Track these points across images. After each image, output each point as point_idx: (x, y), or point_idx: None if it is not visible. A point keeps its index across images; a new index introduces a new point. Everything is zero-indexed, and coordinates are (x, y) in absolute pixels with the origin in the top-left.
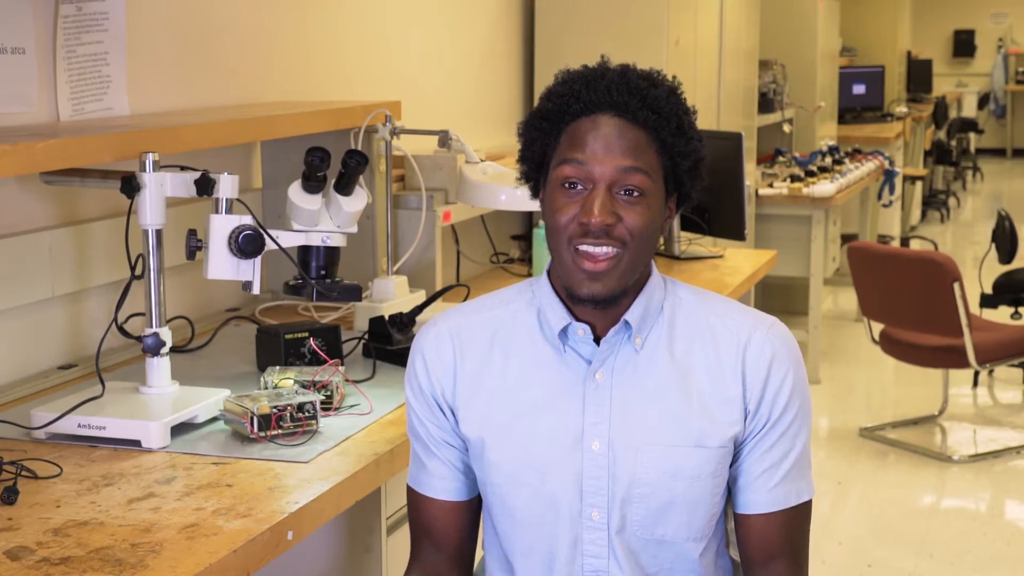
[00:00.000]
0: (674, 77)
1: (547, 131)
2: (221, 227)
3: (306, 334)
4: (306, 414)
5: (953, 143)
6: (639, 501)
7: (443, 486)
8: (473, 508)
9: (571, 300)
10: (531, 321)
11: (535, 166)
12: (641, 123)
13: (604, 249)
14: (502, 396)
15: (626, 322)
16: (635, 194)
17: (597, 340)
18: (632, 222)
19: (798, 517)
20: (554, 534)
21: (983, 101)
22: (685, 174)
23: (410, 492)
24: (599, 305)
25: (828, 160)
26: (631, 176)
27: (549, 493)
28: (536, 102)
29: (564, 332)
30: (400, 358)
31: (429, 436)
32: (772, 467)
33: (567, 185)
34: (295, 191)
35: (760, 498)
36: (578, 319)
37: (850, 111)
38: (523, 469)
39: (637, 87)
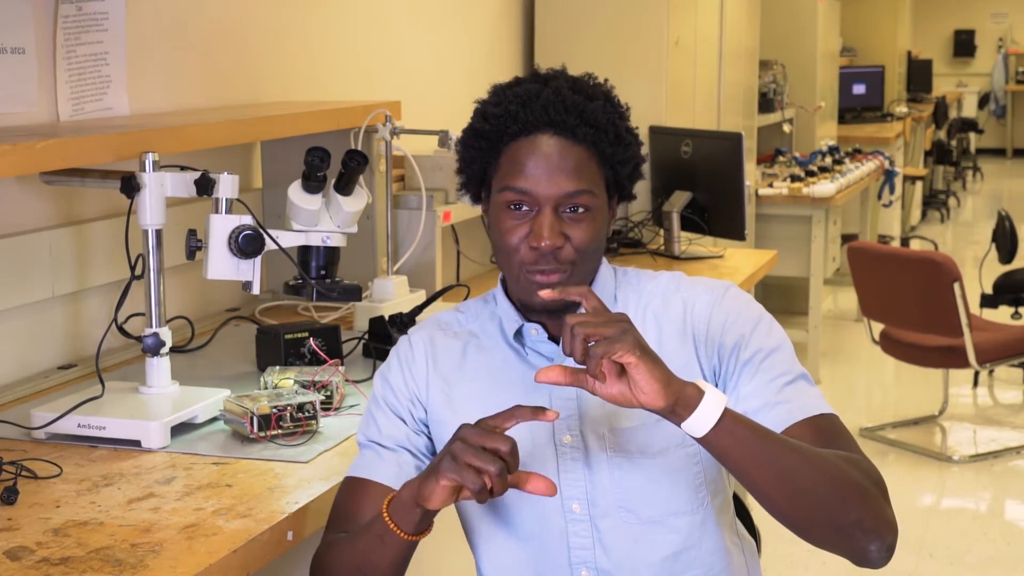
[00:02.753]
0: (606, 80)
1: (486, 150)
2: (221, 227)
3: (306, 334)
4: (306, 414)
5: (953, 143)
6: (618, 485)
7: (397, 474)
8: None
9: (525, 309)
10: (494, 331)
11: (476, 180)
12: (580, 139)
13: (552, 268)
14: (473, 404)
15: None
16: (581, 210)
17: (556, 339)
18: (579, 239)
19: (832, 428)
20: (540, 530)
21: (983, 101)
22: (626, 179)
23: (350, 482)
24: (554, 313)
25: (828, 160)
26: (576, 198)
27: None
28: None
29: (520, 334)
30: None
31: (390, 436)
32: (767, 384)
33: (512, 207)
34: (295, 191)
35: (775, 413)
36: (531, 321)
37: (850, 111)
38: None
39: (573, 103)
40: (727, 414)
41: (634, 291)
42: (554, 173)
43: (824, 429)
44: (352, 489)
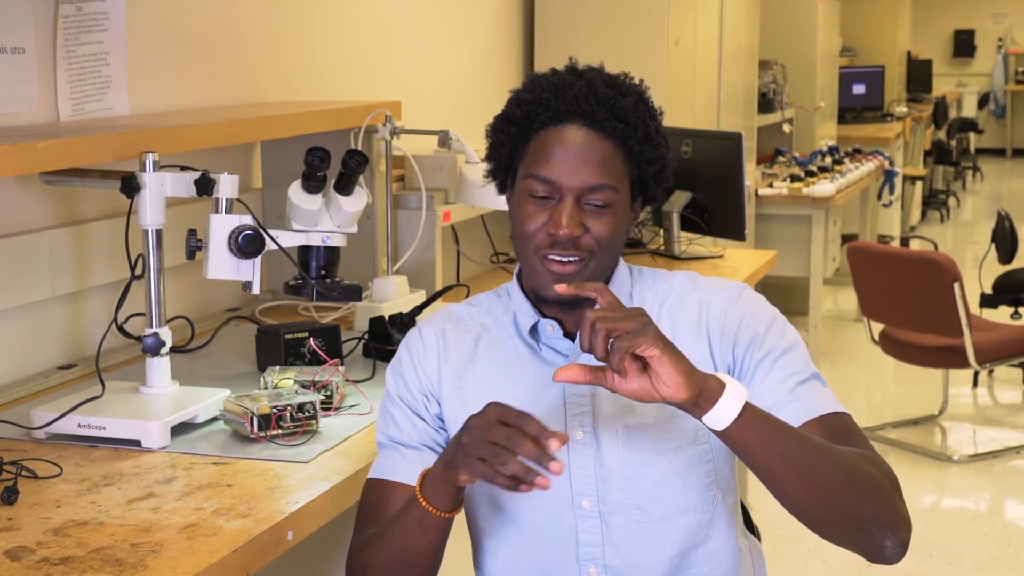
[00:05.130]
0: (641, 81)
1: (515, 136)
2: (221, 227)
3: (306, 334)
4: (306, 414)
5: (953, 143)
6: (629, 483)
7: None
8: None
9: (539, 301)
10: (508, 325)
11: (502, 168)
12: (609, 133)
13: (571, 258)
14: (485, 398)
15: None
16: (602, 204)
17: (571, 336)
18: (599, 232)
19: (844, 426)
20: (549, 526)
21: (983, 101)
22: (651, 179)
23: (376, 484)
24: (566, 307)
25: (828, 160)
26: (598, 192)
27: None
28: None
29: (535, 330)
30: None
31: (409, 434)
32: (781, 383)
33: (535, 194)
34: (295, 191)
35: (788, 411)
36: (547, 317)
37: (850, 111)
38: None
39: (605, 96)
40: (747, 407)
41: (650, 289)
42: (579, 164)
43: (837, 428)
44: (379, 490)
